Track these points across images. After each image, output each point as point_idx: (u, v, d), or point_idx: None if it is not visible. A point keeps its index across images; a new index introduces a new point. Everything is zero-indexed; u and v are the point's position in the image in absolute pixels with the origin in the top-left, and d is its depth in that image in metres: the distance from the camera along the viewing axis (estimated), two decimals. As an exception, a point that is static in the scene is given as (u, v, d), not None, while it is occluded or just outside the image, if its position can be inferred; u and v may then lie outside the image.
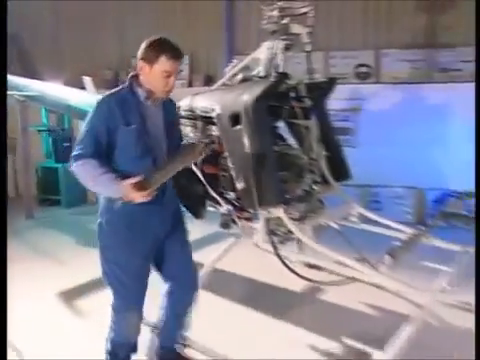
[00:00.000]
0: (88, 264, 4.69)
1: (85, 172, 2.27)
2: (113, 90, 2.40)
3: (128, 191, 2.16)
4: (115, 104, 2.29)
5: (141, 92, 2.36)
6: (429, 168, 5.94)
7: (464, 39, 6.20)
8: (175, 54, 2.30)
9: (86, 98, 5.02)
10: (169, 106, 2.55)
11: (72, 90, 5.26)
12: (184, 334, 2.91)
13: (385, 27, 6.63)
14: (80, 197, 7.59)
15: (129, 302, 2.62)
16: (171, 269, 2.70)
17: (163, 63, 2.27)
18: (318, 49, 6.66)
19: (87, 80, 5.44)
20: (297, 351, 3.17)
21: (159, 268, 2.72)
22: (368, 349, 2.51)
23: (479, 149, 3.15)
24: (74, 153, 2.29)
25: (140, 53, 2.32)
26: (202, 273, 3.39)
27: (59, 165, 7.23)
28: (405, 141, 5.99)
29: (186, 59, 7.27)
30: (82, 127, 2.34)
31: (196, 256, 3.07)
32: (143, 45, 2.32)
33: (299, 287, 4.16)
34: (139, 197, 2.16)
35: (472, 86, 5.90)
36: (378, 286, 3.83)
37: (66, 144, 7.44)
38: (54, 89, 5.45)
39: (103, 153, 2.29)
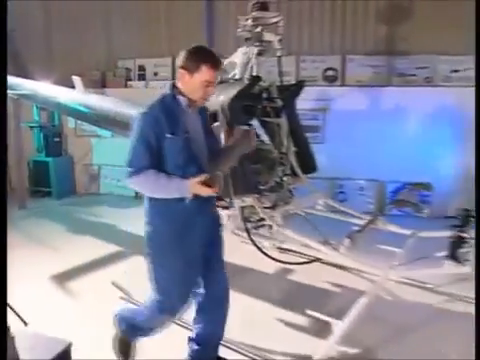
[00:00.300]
0: (78, 249, 4.80)
1: (148, 182, 2.17)
2: (156, 99, 2.22)
3: (198, 188, 2.09)
4: (160, 113, 2.14)
5: (183, 100, 2.20)
6: (389, 162, 6.03)
7: (418, 48, 6.38)
8: (215, 63, 2.16)
9: (75, 97, 5.05)
10: (203, 111, 2.40)
11: (62, 89, 5.26)
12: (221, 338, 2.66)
13: (351, 36, 6.69)
14: (69, 189, 7.57)
15: (170, 308, 2.45)
16: (205, 281, 2.49)
17: (204, 72, 2.12)
18: (290, 54, 6.80)
19: (76, 80, 5.42)
20: (268, 324, 3.26)
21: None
22: (329, 319, 2.63)
23: (479, 149, 3.06)
24: (130, 169, 2.16)
25: (180, 62, 2.19)
26: None
27: (49, 159, 7.16)
28: (367, 138, 6.05)
29: (169, 61, 7.30)
30: (132, 139, 2.18)
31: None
32: (183, 54, 2.19)
33: (272, 269, 4.26)
34: (210, 192, 2.09)
35: (424, 90, 6.20)
36: (339, 266, 4.01)
37: (56, 139, 7.40)
38: (45, 88, 5.45)
39: (155, 162, 2.16)
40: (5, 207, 1.47)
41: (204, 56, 2.15)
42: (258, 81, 3.28)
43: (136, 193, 7.34)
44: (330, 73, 6.79)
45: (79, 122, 6.90)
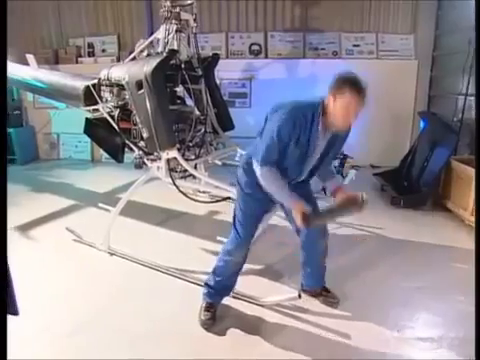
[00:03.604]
0: (39, 205, 4.87)
1: (271, 179, 2.19)
2: (305, 103, 2.15)
3: (297, 213, 2.12)
4: (299, 120, 2.09)
5: (322, 121, 2.12)
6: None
7: (327, 26, 6.66)
8: (359, 90, 2.01)
9: (30, 73, 4.95)
10: (333, 136, 2.24)
11: (19, 66, 5.14)
12: (324, 271, 2.79)
13: (272, 15, 6.81)
14: (32, 156, 7.45)
15: (242, 245, 2.50)
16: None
17: (347, 97, 2.00)
18: (221, 31, 6.90)
19: (30, 57, 5.29)
20: (197, 251, 3.58)
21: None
22: None
23: (479, 147, 3.03)
24: (262, 158, 2.16)
25: (330, 86, 2.06)
26: (119, 204, 3.54)
27: (12, 130, 7.00)
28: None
29: (115, 38, 7.19)
30: (270, 130, 2.15)
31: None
32: (335, 79, 2.06)
33: (202, 211, 4.57)
34: (300, 222, 2.12)
35: (332, 61, 6.49)
36: None
37: (17, 112, 7.24)
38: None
39: (276, 157, 2.17)
40: (5, 205, 1.50)
41: (349, 83, 2.01)
42: (175, 54, 3.39)
43: (92, 157, 7.39)
44: (255, 47, 6.87)
45: (37, 96, 6.75)
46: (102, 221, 3.66)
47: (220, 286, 2.60)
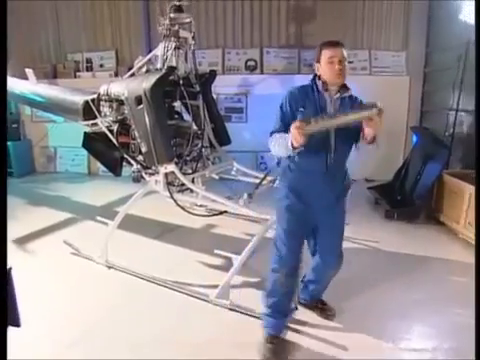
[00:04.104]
0: (36, 218, 4.86)
1: (273, 140, 2.24)
2: (300, 85, 2.33)
3: (293, 132, 2.01)
4: (298, 93, 2.27)
5: (319, 83, 2.26)
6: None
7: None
8: (331, 43, 2.23)
9: (29, 87, 5.00)
10: (347, 99, 2.30)
11: (17, 80, 5.19)
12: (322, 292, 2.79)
13: (267, 32, 6.94)
14: (29, 169, 7.46)
15: (286, 261, 2.42)
16: (320, 246, 2.53)
17: (325, 53, 2.21)
18: (218, 47, 7.02)
19: (29, 72, 5.35)
20: (195, 264, 3.60)
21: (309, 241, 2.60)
22: (232, 255, 2.95)
23: (479, 147, 3.06)
24: (273, 129, 2.29)
25: (315, 57, 2.30)
26: (117, 218, 3.59)
27: (9, 143, 6.99)
28: None
29: (113, 53, 7.27)
30: (276, 110, 2.33)
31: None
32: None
33: (198, 225, 4.59)
34: (297, 135, 1.99)
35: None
36: (242, 217, 4.34)
37: (14, 125, 7.27)
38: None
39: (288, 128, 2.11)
40: (5, 205, 1.51)
41: (323, 44, 2.25)
42: (173, 70, 3.46)
43: (89, 171, 7.41)
44: (251, 63, 6.97)
45: (35, 109, 6.79)
46: (99, 234, 3.68)
47: (275, 309, 2.48)
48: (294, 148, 2.08)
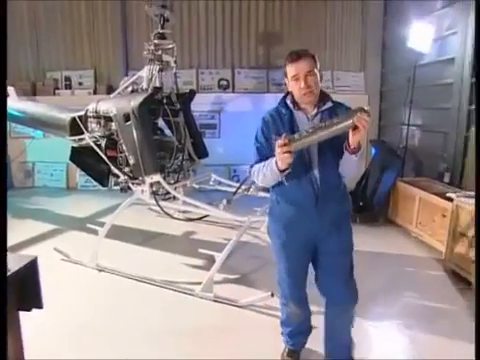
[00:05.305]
0: (22, 230, 4.96)
1: (255, 173, 2.07)
2: (274, 107, 2.14)
3: (278, 153, 1.85)
4: (270, 118, 2.08)
5: (289, 103, 2.06)
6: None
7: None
8: (293, 57, 1.98)
9: (10, 104, 5.21)
10: (328, 114, 2.02)
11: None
12: (350, 342, 2.33)
13: (238, 53, 7.44)
14: (7, 184, 7.53)
15: (293, 296, 2.32)
16: (323, 282, 2.23)
17: (289, 69, 2.00)
18: (192, 67, 7.44)
19: (10, 89, 5.54)
20: (179, 265, 3.91)
21: (316, 278, 2.27)
22: (214, 253, 3.32)
23: (479, 148, 3.04)
24: (254, 161, 2.10)
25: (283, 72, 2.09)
26: (107, 224, 3.88)
27: (-13, 159, 7.11)
28: (253, 132, 6.62)
29: (91, 72, 7.53)
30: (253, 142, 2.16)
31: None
32: None
33: (179, 232, 4.92)
34: (283, 155, 1.83)
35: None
36: (221, 222, 4.72)
37: (-7, 142, 7.37)
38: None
39: (270, 158, 1.98)
40: (5, 206, 1.67)
41: (287, 57, 2.03)
42: (158, 91, 3.86)
43: (67, 185, 7.57)
44: (223, 83, 7.40)
45: (13, 125, 6.92)
46: (86, 242, 3.99)
47: (293, 335, 2.46)
48: (282, 171, 1.93)
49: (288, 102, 2.08)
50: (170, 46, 4.02)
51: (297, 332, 2.45)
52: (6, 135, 2.22)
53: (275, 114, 2.10)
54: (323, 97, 2.07)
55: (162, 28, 4.02)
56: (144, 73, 4.09)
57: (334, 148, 1.98)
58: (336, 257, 2.15)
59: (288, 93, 2.11)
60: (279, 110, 2.10)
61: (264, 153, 2.05)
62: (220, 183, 4.50)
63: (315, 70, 1.99)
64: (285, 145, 1.82)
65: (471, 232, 3.48)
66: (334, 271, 2.17)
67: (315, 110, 2.05)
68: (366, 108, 1.79)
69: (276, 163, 1.91)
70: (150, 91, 3.79)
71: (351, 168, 2.03)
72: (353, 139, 1.86)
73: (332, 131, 1.84)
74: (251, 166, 2.12)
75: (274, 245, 2.25)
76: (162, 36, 4.01)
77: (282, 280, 2.30)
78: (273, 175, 1.98)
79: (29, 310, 1.98)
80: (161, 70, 4.05)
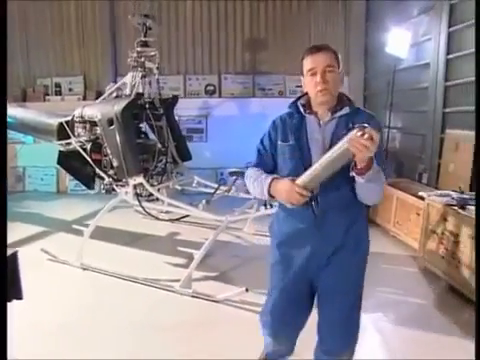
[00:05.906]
0: (11, 232, 4.89)
1: (248, 176, 1.88)
2: (286, 111, 1.89)
3: (278, 191, 1.72)
4: (281, 122, 1.84)
5: (301, 106, 1.81)
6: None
7: (273, 69, 7.54)
8: (312, 49, 1.74)
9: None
10: (344, 122, 1.74)
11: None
12: None
13: (225, 60, 7.65)
14: (-2, 188, 7.62)
15: (278, 328, 1.96)
16: (319, 321, 1.93)
17: (306, 62, 1.74)
18: (179, 73, 7.62)
19: (1, 96, 5.64)
20: (162, 264, 4.03)
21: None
22: (193, 250, 3.47)
23: (479, 148, 3.02)
24: (253, 162, 1.92)
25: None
26: (91, 224, 4.01)
27: (-22, 164, 7.19)
28: (238, 136, 6.62)
29: (81, 79, 7.69)
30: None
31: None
32: None
33: (164, 233, 5.05)
34: (297, 198, 1.64)
35: (278, 100, 7.30)
36: (204, 223, 4.84)
37: (-16, 147, 7.47)
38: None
39: (269, 164, 1.87)
40: (5, 206, 1.70)
41: (305, 51, 1.78)
42: (141, 96, 4.01)
43: (57, 189, 7.68)
44: (210, 88, 7.61)
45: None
46: (73, 243, 4.09)
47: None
48: (272, 197, 1.79)
49: (299, 105, 1.83)
50: (152, 53, 4.17)
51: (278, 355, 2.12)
52: (6, 138, 2.26)
53: (287, 118, 1.86)
54: (341, 101, 1.79)
55: (145, 36, 4.17)
56: (128, 79, 4.23)
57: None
58: (333, 294, 1.85)
59: (302, 96, 1.87)
60: (290, 113, 1.86)
61: (263, 159, 1.90)
62: (204, 185, 4.63)
63: (335, 68, 1.73)
64: (302, 192, 1.63)
65: (440, 229, 3.66)
66: (328, 310, 1.87)
67: (329, 115, 1.77)
68: (365, 125, 1.48)
69: (269, 185, 1.75)
70: (133, 97, 3.93)
71: (366, 193, 1.72)
72: (357, 159, 1.54)
73: (332, 161, 1.58)
74: (247, 166, 1.94)
75: (271, 273, 1.96)
76: (145, 44, 4.16)
77: (267, 312, 1.96)
78: (262, 194, 1.83)
79: (9, 301, 2.12)
80: (144, 76, 4.19)
